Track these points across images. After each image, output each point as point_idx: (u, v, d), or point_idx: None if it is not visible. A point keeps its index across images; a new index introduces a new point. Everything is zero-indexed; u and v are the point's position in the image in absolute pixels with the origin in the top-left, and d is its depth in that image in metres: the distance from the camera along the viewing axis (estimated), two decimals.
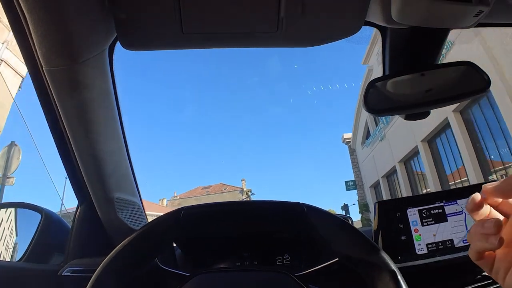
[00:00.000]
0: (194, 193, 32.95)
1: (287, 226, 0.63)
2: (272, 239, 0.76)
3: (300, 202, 0.62)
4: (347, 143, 21.85)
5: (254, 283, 0.56)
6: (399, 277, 0.50)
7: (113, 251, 0.58)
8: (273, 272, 0.59)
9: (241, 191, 30.09)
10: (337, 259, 0.59)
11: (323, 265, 0.62)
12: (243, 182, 31.23)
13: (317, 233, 0.58)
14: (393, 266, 0.52)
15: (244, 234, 0.72)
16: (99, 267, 0.56)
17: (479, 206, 0.36)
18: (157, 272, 0.70)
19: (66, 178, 0.85)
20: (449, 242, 0.80)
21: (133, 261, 0.60)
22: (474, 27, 0.68)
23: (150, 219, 0.72)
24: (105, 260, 0.57)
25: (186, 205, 0.61)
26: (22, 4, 0.53)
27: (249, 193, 29.52)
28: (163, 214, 0.64)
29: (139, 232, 0.60)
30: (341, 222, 0.57)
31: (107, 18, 0.61)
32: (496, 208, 0.36)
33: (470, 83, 0.74)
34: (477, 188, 0.82)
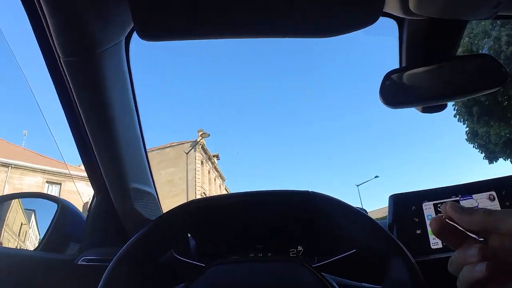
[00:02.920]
0: None
1: (297, 215, 0.63)
2: (286, 230, 0.76)
3: (310, 190, 0.62)
4: None
5: (268, 273, 0.56)
6: (414, 265, 0.50)
7: (128, 242, 0.59)
8: (288, 262, 0.59)
9: (193, 143, 20.36)
10: (354, 250, 0.59)
11: (339, 256, 0.62)
12: (199, 133, 20.52)
13: (330, 222, 0.59)
14: (409, 255, 0.52)
15: (258, 224, 0.73)
16: (113, 259, 0.56)
17: (445, 227, 0.34)
18: (172, 263, 0.71)
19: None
20: None
21: (148, 252, 0.61)
22: (493, 19, 0.67)
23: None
24: (119, 252, 0.57)
25: (195, 198, 0.63)
26: None
27: (204, 137, 20.04)
28: (174, 207, 0.65)
29: (152, 224, 0.61)
30: (356, 211, 0.58)
31: (124, 9, 0.61)
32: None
33: (488, 75, 0.73)
34: (493, 183, 0.81)
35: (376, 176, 21.00)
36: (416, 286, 0.49)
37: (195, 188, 19.06)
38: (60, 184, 14.78)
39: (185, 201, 0.66)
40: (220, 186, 25.70)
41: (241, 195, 0.65)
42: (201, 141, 20.51)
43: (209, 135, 20.25)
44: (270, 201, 0.64)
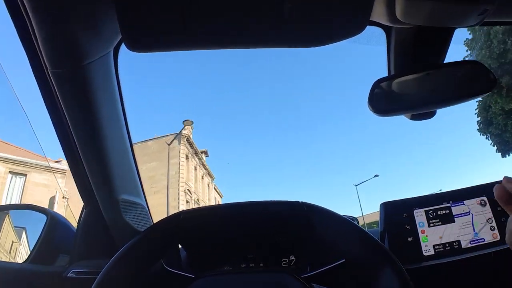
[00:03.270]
0: None
1: (288, 226, 0.63)
2: (278, 240, 0.76)
3: (300, 201, 0.62)
4: None
5: (255, 284, 0.57)
6: (404, 273, 0.50)
7: (116, 254, 0.59)
8: (276, 273, 0.59)
9: (178, 136, 17.93)
10: (344, 260, 0.59)
11: (329, 266, 0.62)
12: (185, 124, 18.02)
13: (319, 232, 0.59)
14: (398, 262, 0.52)
15: (248, 235, 0.72)
16: (102, 270, 0.56)
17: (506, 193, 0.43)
18: (162, 274, 0.70)
19: None
20: (456, 243, 0.79)
21: (136, 263, 0.60)
22: (480, 25, 0.68)
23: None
24: (108, 264, 0.57)
25: (185, 209, 0.62)
26: (26, 6, 0.54)
27: (187, 124, 17.67)
28: (163, 218, 0.65)
29: (141, 235, 0.61)
30: (343, 220, 0.58)
31: (112, 20, 0.61)
32: None
33: (476, 82, 0.74)
34: (484, 188, 0.81)
35: (376, 175, 19.50)
36: None
37: (179, 185, 17.00)
38: (26, 175, 12.82)
39: (165, 197, 0.66)
40: (208, 185, 23.16)
41: (230, 206, 0.65)
42: (186, 132, 18.01)
43: (192, 122, 18.24)
44: (260, 212, 0.64)
